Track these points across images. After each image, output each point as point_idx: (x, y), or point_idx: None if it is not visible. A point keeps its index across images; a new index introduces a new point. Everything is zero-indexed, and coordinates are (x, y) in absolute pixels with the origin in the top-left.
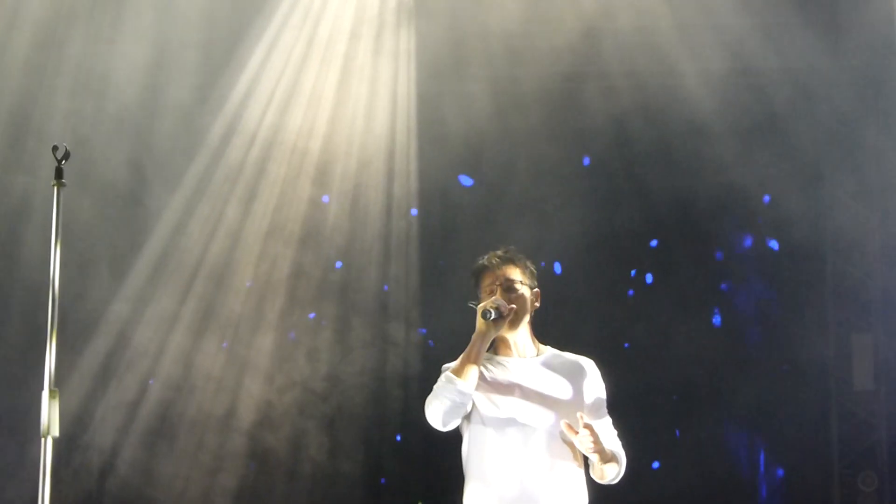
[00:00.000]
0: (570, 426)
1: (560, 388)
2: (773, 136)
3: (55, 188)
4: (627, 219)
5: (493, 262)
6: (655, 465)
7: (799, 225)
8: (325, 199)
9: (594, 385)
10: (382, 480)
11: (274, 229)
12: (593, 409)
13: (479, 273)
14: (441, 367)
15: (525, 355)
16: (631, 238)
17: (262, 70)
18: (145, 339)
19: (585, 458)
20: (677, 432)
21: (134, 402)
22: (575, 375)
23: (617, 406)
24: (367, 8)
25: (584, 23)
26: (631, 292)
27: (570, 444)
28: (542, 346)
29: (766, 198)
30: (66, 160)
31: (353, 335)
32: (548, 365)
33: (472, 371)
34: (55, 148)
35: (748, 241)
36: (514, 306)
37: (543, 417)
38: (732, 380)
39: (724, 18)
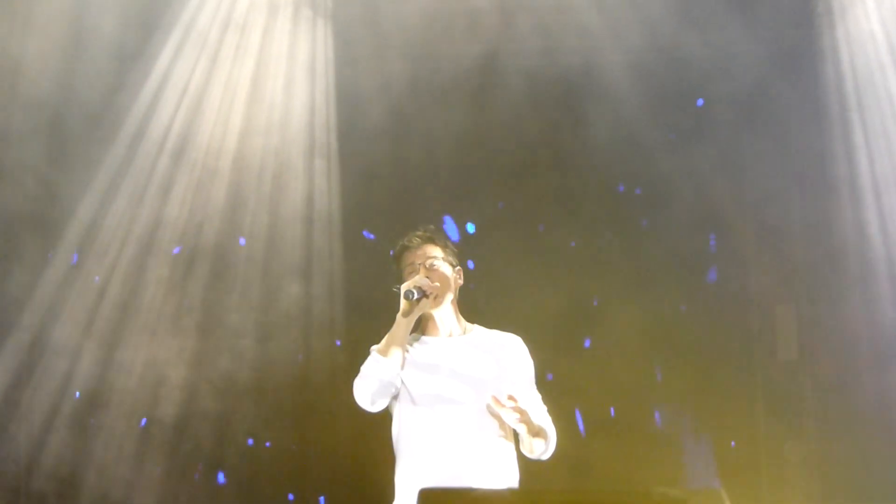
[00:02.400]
0: (496, 399)
1: (486, 364)
2: (691, 110)
3: None
4: (545, 192)
5: (413, 241)
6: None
7: (719, 197)
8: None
9: (520, 361)
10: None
11: (190, 224)
12: (519, 386)
13: (400, 254)
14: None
15: (452, 333)
16: (548, 210)
17: (176, 57)
18: (65, 334)
19: (516, 435)
20: (612, 411)
21: (61, 389)
22: (501, 352)
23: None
24: None
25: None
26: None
27: (500, 419)
28: (468, 325)
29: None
30: None
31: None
32: (474, 342)
33: (397, 350)
34: None
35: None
36: (437, 284)
37: (471, 394)
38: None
39: None
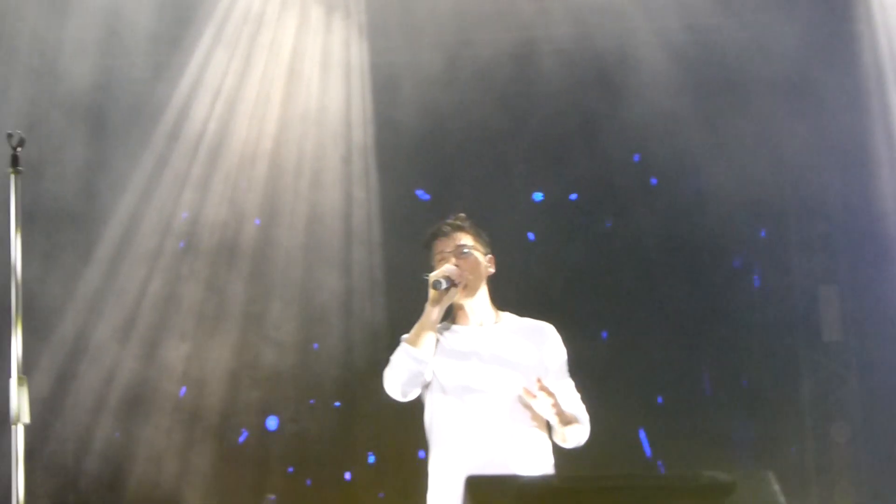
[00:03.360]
0: (527, 390)
1: (518, 353)
2: (729, 94)
3: (12, 176)
4: (583, 179)
5: (444, 229)
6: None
7: (761, 179)
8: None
9: (553, 349)
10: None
11: (232, 212)
12: (553, 374)
13: (431, 241)
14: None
15: (483, 322)
16: (588, 201)
17: (210, 54)
18: (114, 322)
19: (549, 423)
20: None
21: (105, 384)
22: (533, 340)
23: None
24: None
25: None
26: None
27: (532, 409)
28: (500, 313)
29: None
30: (22, 147)
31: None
32: (505, 331)
33: (427, 339)
34: (10, 135)
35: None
36: (466, 273)
37: (502, 383)
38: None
39: None
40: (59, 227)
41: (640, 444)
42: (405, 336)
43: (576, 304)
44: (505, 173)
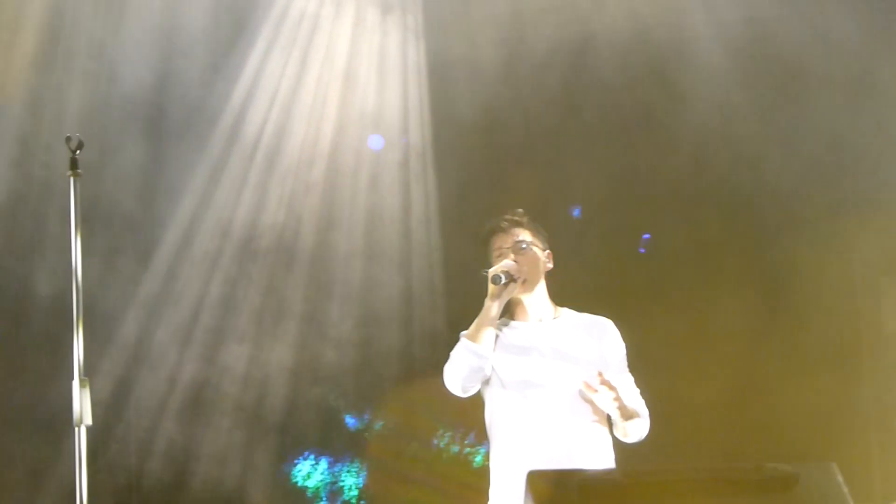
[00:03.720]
0: (588, 384)
1: (577, 348)
2: (787, 86)
3: (71, 178)
4: (644, 169)
5: (503, 224)
6: None
7: (819, 172)
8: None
9: (612, 344)
10: None
11: (293, 207)
12: (613, 368)
13: (489, 236)
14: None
15: (542, 318)
16: (647, 189)
17: (266, 55)
18: (174, 325)
19: (610, 418)
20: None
21: (168, 385)
22: (593, 335)
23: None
24: None
25: None
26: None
27: (592, 404)
28: (558, 308)
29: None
30: (81, 150)
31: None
32: (564, 326)
33: (486, 334)
34: (68, 139)
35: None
36: (525, 269)
37: (563, 378)
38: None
39: None
40: (118, 230)
41: (699, 438)
42: (465, 332)
43: (632, 300)
44: (561, 169)
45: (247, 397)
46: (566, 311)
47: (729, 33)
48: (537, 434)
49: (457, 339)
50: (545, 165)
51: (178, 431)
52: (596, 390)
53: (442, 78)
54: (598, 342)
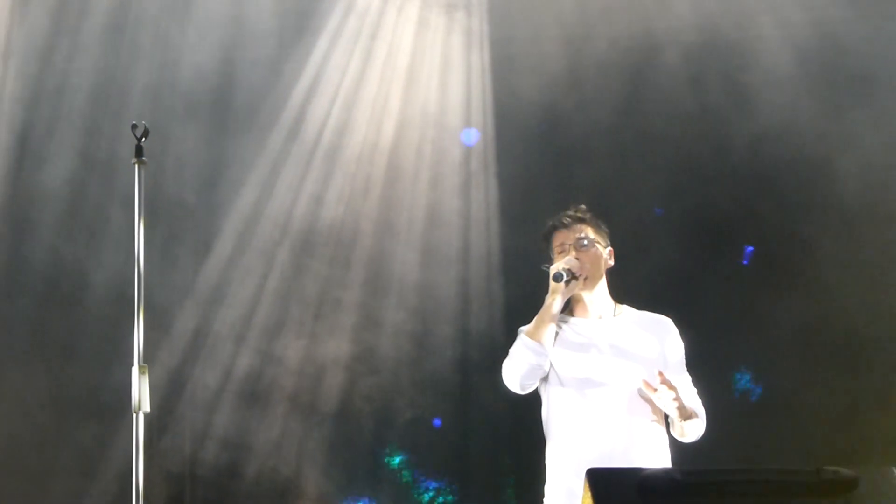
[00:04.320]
0: (647, 383)
1: (637, 346)
2: (852, 87)
3: (136, 166)
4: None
5: (565, 221)
6: None
7: (884, 176)
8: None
9: (672, 343)
10: None
11: (352, 203)
12: (672, 368)
13: (550, 233)
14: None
15: (602, 315)
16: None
17: (332, 47)
18: (230, 316)
19: (666, 417)
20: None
21: (223, 375)
22: (653, 334)
23: None
24: None
25: None
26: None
27: (651, 402)
28: (619, 306)
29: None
30: (146, 138)
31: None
32: (625, 324)
33: (547, 331)
34: (134, 126)
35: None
36: (587, 266)
37: (621, 376)
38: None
39: None
40: (178, 219)
41: (749, 440)
42: (524, 328)
43: (692, 298)
44: (625, 169)
45: (302, 389)
46: (626, 309)
47: (794, 33)
48: (595, 432)
49: (515, 334)
50: (607, 164)
51: (232, 421)
52: (655, 389)
53: (505, 76)
54: (658, 341)
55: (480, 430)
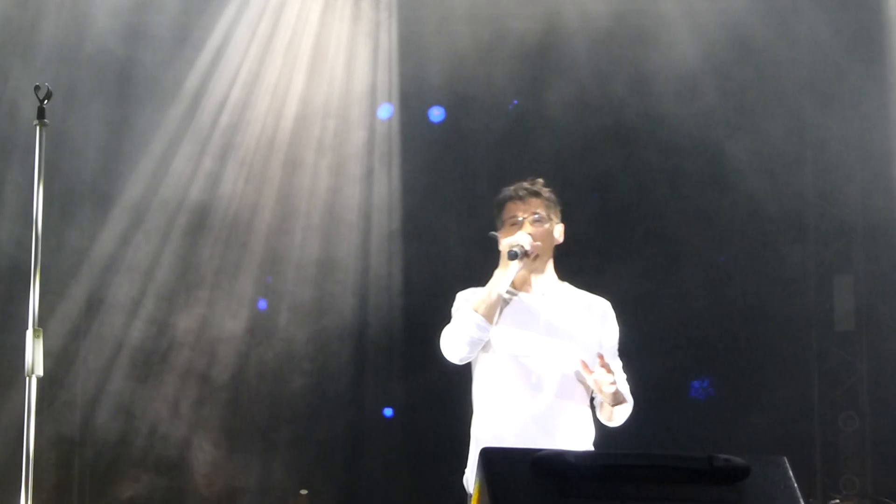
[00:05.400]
0: (585, 365)
1: (578, 326)
2: (756, 75)
3: (37, 128)
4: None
5: (520, 193)
6: None
7: (782, 170)
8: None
9: (610, 327)
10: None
11: (253, 173)
12: (607, 351)
13: (504, 203)
14: (455, 294)
15: (544, 291)
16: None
17: (238, 16)
18: (127, 281)
19: (592, 400)
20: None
21: (117, 342)
22: (592, 315)
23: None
24: None
25: None
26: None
27: (583, 383)
28: (560, 283)
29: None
30: (49, 100)
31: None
32: (566, 302)
33: (493, 306)
34: (37, 88)
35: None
36: (538, 244)
37: (558, 354)
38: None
39: None
40: (78, 186)
41: (657, 428)
42: (464, 293)
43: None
44: (526, 153)
45: (195, 360)
46: (567, 287)
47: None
48: (523, 407)
49: (452, 298)
50: (507, 149)
51: (124, 389)
52: (591, 371)
53: (414, 59)
54: (597, 323)
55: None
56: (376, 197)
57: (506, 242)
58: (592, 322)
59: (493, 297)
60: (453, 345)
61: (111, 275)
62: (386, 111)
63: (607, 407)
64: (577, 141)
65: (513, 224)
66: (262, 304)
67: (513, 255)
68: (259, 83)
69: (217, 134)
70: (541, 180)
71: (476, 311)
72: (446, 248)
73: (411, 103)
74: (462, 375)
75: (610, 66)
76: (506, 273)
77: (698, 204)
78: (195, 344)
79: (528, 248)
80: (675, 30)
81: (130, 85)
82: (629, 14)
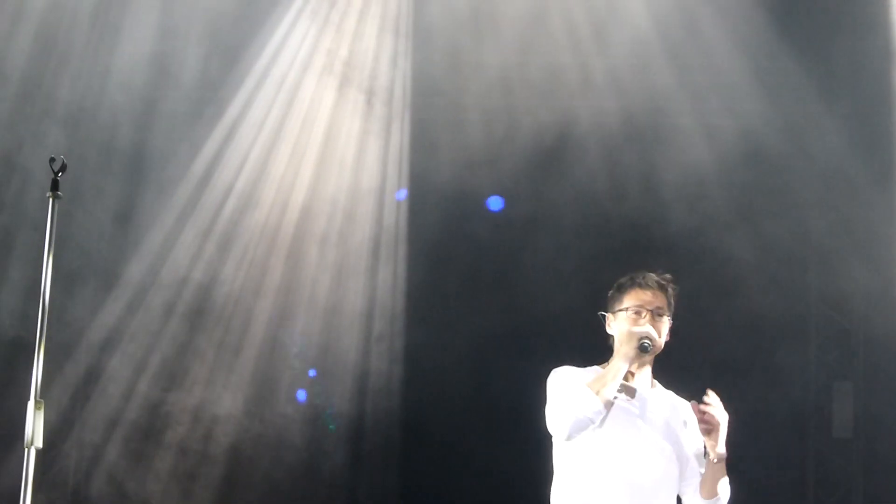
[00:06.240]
0: (696, 406)
1: (677, 426)
2: (766, 181)
3: (51, 200)
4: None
5: (649, 282)
6: None
7: (785, 275)
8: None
9: (696, 429)
10: None
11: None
12: (699, 452)
13: (628, 288)
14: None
15: (643, 388)
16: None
17: (252, 98)
18: (127, 355)
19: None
20: None
21: (114, 416)
22: (687, 415)
23: None
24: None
25: (578, 57)
26: None
27: (672, 487)
28: (654, 381)
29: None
30: (63, 172)
31: None
32: (662, 400)
33: (611, 393)
34: (52, 160)
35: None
36: (658, 340)
37: (657, 450)
38: None
39: (718, 59)
40: (86, 258)
41: None
42: (565, 369)
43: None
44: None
45: (193, 438)
46: (659, 386)
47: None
48: (615, 493)
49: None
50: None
51: (118, 462)
52: (706, 406)
53: (424, 158)
54: (689, 425)
55: None
56: (379, 291)
57: (636, 331)
58: (686, 424)
59: (613, 381)
60: (569, 423)
61: (110, 351)
62: (404, 193)
63: (709, 481)
64: (583, 239)
65: (636, 312)
66: (302, 396)
67: (644, 349)
68: (266, 173)
69: (222, 220)
70: (669, 275)
71: (596, 394)
72: (449, 342)
73: (419, 198)
74: (460, 469)
75: (619, 168)
76: (628, 361)
77: (694, 308)
78: (191, 423)
79: (654, 342)
80: (688, 134)
81: (142, 160)
82: (641, 114)
